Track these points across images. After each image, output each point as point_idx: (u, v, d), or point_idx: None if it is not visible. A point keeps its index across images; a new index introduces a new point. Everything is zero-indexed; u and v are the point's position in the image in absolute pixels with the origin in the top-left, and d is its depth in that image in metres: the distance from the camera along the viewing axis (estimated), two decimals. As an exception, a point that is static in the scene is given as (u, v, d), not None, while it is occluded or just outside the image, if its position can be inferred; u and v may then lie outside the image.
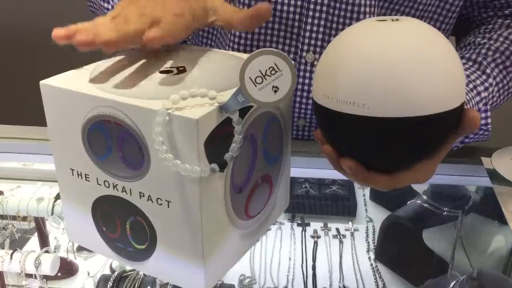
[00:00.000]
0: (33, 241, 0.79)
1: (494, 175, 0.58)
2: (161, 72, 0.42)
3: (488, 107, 0.63)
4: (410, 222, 0.71)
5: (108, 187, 0.41)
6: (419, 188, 0.75)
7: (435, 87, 0.37)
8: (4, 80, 1.93)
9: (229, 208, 0.40)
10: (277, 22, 0.68)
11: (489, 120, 0.65)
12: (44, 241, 0.78)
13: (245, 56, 0.45)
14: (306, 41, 0.68)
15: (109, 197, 0.41)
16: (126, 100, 0.37)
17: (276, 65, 0.36)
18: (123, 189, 0.40)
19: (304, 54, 0.69)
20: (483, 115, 0.64)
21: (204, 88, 0.36)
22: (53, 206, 0.74)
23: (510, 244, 0.55)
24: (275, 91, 0.36)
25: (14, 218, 0.76)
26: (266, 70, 0.35)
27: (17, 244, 0.78)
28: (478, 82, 0.64)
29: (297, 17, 0.67)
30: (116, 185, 0.40)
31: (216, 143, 0.36)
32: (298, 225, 0.84)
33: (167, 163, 0.35)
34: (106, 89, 0.39)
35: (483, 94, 0.62)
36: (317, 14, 0.67)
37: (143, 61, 0.45)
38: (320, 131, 0.44)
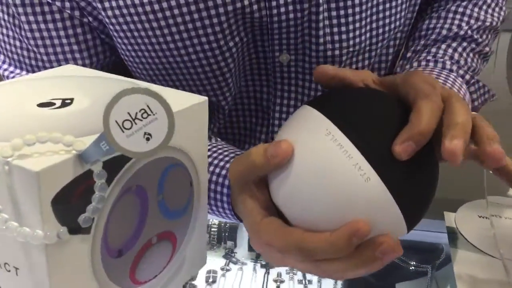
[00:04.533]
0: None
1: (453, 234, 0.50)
2: (40, 105, 0.35)
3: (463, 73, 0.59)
4: (373, 276, 0.63)
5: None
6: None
7: None
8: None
9: (100, 275, 0.33)
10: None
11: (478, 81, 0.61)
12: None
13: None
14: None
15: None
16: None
17: (148, 107, 0.28)
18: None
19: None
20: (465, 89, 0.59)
21: (62, 132, 0.29)
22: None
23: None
24: (148, 139, 0.29)
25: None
26: (136, 113, 0.28)
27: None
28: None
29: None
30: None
31: (73, 201, 0.29)
32: (262, 266, 0.76)
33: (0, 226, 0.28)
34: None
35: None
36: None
37: (23, 91, 0.38)
38: None
